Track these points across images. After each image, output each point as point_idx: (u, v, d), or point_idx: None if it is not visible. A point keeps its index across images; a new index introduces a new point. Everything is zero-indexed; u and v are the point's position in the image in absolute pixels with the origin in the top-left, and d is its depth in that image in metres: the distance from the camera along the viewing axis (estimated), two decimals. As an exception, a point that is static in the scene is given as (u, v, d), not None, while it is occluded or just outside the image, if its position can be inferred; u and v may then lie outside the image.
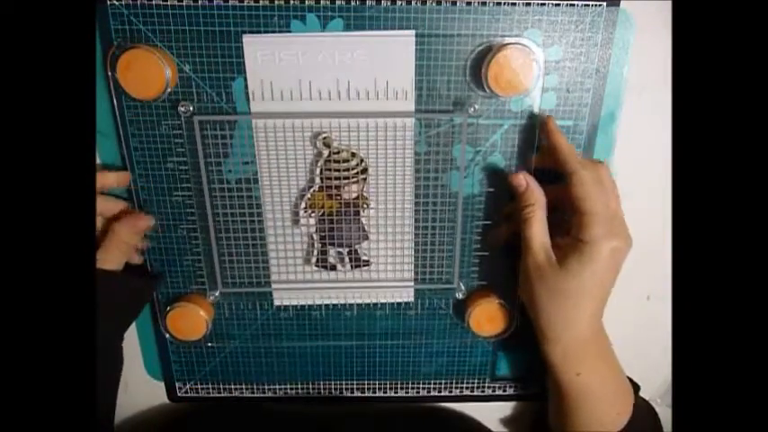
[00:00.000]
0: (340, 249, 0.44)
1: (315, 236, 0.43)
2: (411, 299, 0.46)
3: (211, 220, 0.42)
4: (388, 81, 0.38)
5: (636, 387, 0.43)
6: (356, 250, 0.44)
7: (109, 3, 0.36)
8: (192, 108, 0.38)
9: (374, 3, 0.36)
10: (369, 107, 0.39)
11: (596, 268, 0.36)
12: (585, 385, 0.39)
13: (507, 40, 0.37)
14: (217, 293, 0.44)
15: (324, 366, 0.48)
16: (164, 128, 0.39)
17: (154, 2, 0.36)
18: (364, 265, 0.44)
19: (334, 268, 0.44)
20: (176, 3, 0.36)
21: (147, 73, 0.36)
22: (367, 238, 0.43)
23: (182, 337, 0.45)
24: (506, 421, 0.51)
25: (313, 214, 0.42)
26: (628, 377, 0.42)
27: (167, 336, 0.45)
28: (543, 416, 0.45)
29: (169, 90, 0.37)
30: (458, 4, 0.36)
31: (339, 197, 0.42)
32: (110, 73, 0.37)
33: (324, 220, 0.43)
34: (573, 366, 0.39)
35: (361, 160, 0.40)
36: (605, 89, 0.39)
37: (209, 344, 0.47)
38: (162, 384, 0.49)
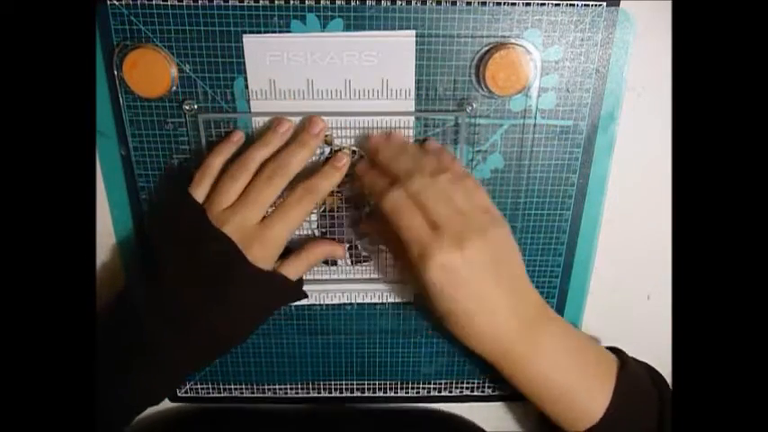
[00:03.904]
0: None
1: (316, 231, 0.43)
2: (412, 298, 0.46)
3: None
4: (388, 81, 0.38)
5: (621, 355, 0.41)
6: (357, 246, 0.44)
7: (109, 3, 0.36)
8: (195, 107, 0.38)
9: (374, 3, 0.36)
10: (369, 106, 0.39)
11: (437, 289, 0.34)
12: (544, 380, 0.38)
13: (507, 40, 0.37)
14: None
15: (324, 366, 0.48)
16: (167, 126, 0.39)
17: (154, 2, 0.36)
18: (364, 261, 0.44)
19: (335, 263, 0.44)
20: (176, 3, 0.36)
21: (153, 71, 0.37)
22: (367, 234, 0.43)
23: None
24: (506, 421, 0.51)
25: (315, 210, 0.43)
26: (608, 348, 0.42)
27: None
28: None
29: (173, 89, 0.38)
30: (458, 4, 0.36)
31: (340, 194, 0.42)
32: (115, 72, 0.37)
33: (325, 215, 0.43)
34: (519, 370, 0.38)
35: (362, 157, 0.40)
36: (605, 89, 0.39)
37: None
38: (162, 384, 0.49)
